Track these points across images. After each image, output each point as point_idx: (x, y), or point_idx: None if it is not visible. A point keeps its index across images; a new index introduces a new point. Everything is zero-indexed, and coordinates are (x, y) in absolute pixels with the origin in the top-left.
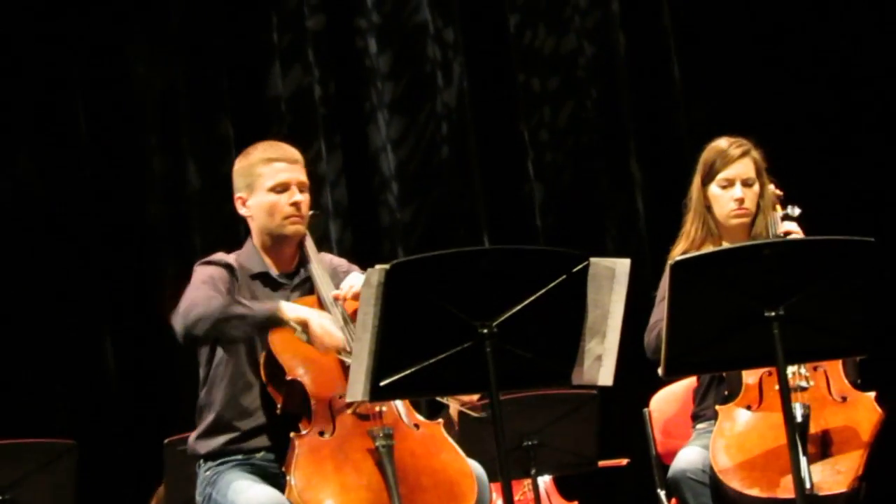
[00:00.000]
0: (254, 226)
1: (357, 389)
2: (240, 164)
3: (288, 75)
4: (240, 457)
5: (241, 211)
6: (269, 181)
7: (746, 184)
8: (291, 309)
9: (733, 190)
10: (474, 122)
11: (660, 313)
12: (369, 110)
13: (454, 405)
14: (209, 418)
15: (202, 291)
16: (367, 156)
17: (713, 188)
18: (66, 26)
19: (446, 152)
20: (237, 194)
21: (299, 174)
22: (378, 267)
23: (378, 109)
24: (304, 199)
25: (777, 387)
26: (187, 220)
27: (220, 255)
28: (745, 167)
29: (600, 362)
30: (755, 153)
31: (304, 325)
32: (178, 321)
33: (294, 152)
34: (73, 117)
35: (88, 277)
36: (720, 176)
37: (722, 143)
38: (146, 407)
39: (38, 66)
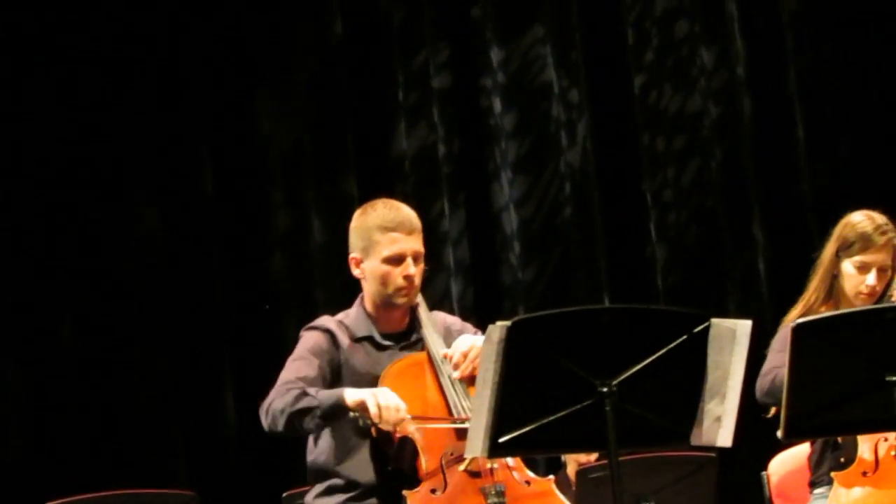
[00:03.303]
0: (365, 287)
1: (476, 445)
2: (357, 223)
3: (413, 133)
4: None
5: (354, 272)
6: (385, 251)
7: (882, 270)
8: (351, 394)
9: (868, 275)
10: (597, 182)
11: (777, 361)
12: (493, 169)
13: (572, 465)
14: (324, 482)
15: (288, 373)
16: (490, 215)
17: (847, 265)
18: (192, 82)
19: (569, 212)
20: (352, 254)
21: (415, 244)
22: (499, 323)
23: (502, 168)
24: (417, 270)
25: (894, 453)
26: (311, 276)
27: (323, 320)
28: (885, 255)
29: (720, 423)
30: None
31: (362, 408)
32: (262, 416)
33: (412, 220)
34: (200, 173)
35: (212, 331)
36: (857, 258)
37: (867, 225)
38: (265, 460)
39: (165, 121)
